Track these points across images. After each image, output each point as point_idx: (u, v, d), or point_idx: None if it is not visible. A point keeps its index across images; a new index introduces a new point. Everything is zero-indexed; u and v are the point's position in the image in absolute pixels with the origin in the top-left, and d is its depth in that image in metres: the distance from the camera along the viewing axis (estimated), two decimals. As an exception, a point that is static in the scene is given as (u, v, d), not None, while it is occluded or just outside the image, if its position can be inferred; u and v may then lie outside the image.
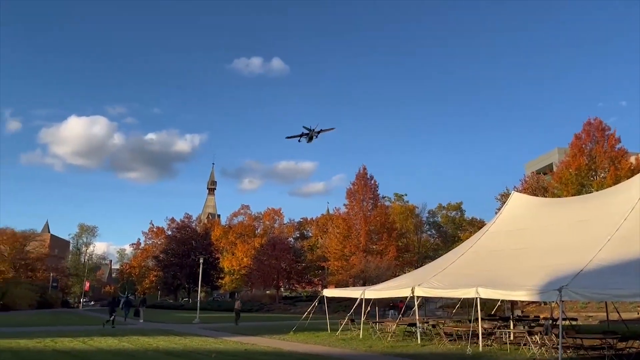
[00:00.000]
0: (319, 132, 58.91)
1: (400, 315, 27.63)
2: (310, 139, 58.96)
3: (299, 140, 59.73)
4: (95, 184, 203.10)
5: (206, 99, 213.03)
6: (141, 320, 35.66)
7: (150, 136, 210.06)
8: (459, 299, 26.28)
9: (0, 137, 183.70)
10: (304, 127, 58.55)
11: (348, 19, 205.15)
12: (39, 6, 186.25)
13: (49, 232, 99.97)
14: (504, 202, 29.68)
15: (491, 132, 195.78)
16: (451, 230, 73.94)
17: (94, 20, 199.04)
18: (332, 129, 62.49)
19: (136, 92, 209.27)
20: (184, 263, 75.82)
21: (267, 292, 75.61)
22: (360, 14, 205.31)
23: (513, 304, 25.33)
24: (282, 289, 79.17)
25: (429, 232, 76.81)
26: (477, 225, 67.42)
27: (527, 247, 19.79)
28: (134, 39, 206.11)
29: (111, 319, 29.56)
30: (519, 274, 17.45)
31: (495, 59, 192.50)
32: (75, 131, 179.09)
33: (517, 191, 36.37)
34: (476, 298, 16.50)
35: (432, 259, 51.82)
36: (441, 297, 28.74)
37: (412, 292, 19.11)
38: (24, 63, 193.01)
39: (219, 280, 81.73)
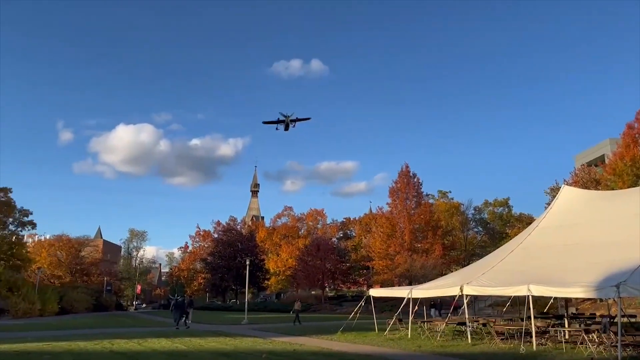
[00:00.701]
0: (294, 121, 59.47)
1: (449, 314, 27.18)
2: (287, 126, 59.46)
3: (276, 128, 60.21)
4: (144, 189, 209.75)
5: (248, 103, 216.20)
6: (189, 322, 36.47)
7: (195, 141, 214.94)
8: (510, 297, 25.76)
9: (54, 147, 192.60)
10: (280, 113, 59.63)
11: (386, 16, 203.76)
12: (85, 20, 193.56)
13: (101, 237, 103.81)
14: (554, 196, 28.75)
15: (538, 124, 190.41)
16: (499, 227, 72.13)
17: (138, 31, 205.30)
18: (308, 118, 63.32)
19: (180, 99, 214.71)
20: (230, 265, 77.07)
21: (313, 292, 75.86)
22: (398, 10, 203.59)
23: (567, 301, 24.48)
24: (327, 289, 79.32)
25: (475, 230, 75.20)
26: (525, 221, 65.55)
27: (580, 243, 19.13)
28: (177, 47, 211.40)
29: (183, 320, 30.50)
30: (572, 270, 16.88)
31: (541, 49, 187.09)
32: (124, 139, 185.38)
33: (567, 184, 35.22)
34: (528, 296, 16.07)
35: (480, 256, 50.76)
36: (491, 295, 28.18)
37: (461, 291, 18.78)
38: (74, 75, 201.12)
39: (265, 282, 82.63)
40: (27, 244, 63.68)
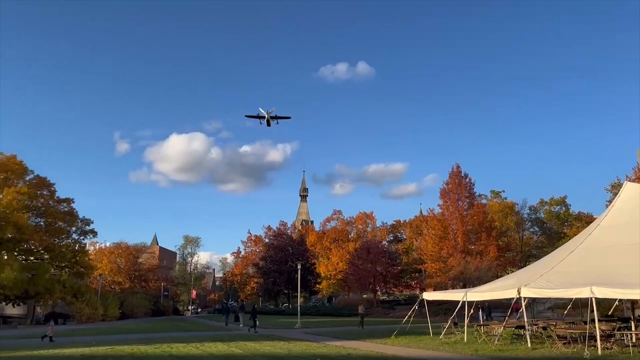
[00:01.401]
0: (274, 118, 60.86)
1: (506, 317, 26.40)
2: (268, 122, 60.83)
3: (260, 123, 61.92)
4: (197, 197, 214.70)
5: (295, 108, 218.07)
6: (241, 325, 37.15)
7: (245, 148, 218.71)
8: (571, 299, 24.74)
9: (112, 158, 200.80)
10: (260, 108, 61.69)
11: (430, 18, 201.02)
12: (138, 35, 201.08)
13: (157, 244, 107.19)
14: (615, 194, 27.47)
15: (596, 117, 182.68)
16: (556, 227, 69.45)
17: (188, 44, 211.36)
18: (288, 117, 65.05)
19: (230, 106, 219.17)
20: (282, 269, 77.76)
21: (364, 296, 75.42)
22: (441, 12, 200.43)
23: (633, 303, 23.28)
24: (379, 293, 78.72)
25: (531, 230, 72.65)
26: (585, 220, 62.87)
27: (646, 241, 18.18)
28: (225, 57, 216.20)
29: (255, 325, 31.29)
30: (637, 270, 16.05)
31: (595, 41, 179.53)
32: (177, 148, 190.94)
33: (629, 180, 33.57)
34: (591, 298, 15.37)
35: (537, 257, 49.09)
36: (550, 298, 27.16)
37: (519, 293, 18.20)
38: (130, 89, 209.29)
39: (317, 285, 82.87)
40: (89, 252, 66.46)
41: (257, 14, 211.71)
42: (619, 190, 25.08)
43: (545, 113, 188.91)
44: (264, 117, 60.86)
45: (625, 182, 28.47)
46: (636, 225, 19.65)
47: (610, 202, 27.98)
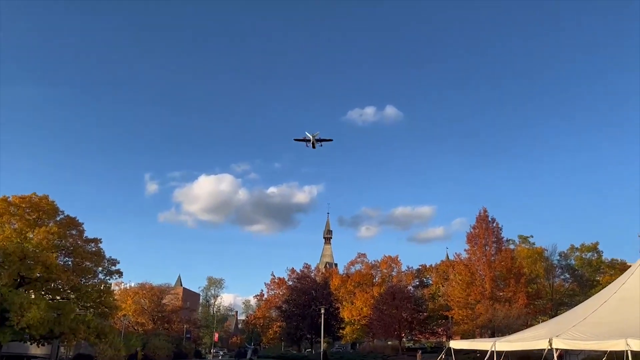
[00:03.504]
0: (319, 140, 65.80)
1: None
2: (313, 145, 65.63)
3: (306, 145, 66.62)
4: (223, 238, 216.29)
5: (323, 151, 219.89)
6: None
7: (272, 190, 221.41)
8: (605, 352, 23.67)
9: (142, 199, 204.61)
10: (306, 132, 66.85)
11: (457, 61, 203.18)
12: (169, 77, 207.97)
13: (181, 285, 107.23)
14: (650, 241, 26.62)
15: (627, 162, 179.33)
16: (588, 274, 67.21)
17: (218, 85, 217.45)
18: (331, 140, 69.67)
19: (258, 149, 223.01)
20: (305, 313, 76.62)
21: (389, 342, 73.44)
22: (468, 56, 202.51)
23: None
24: (404, 340, 76.63)
25: (562, 277, 70.40)
26: (618, 267, 60.84)
27: (684, 292, 17.45)
28: (255, 98, 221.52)
29: None
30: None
31: (628, 82, 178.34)
32: (205, 189, 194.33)
33: (664, 228, 32.56)
34: (626, 351, 14.73)
35: (568, 306, 47.45)
36: (583, 350, 26.04)
37: (550, 344, 17.53)
38: (162, 131, 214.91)
39: (340, 331, 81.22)
40: (114, 292, 66.74)
41: (287, 58, 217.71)
42: (653, 237, 24.33)
43: (575, 157, 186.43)
44: (309, 140, 65.10)
45: (659, 229, 27.60)
46: (673, 274, 18.94)
47: (644, 249, 27.07)
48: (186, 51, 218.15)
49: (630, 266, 28.31)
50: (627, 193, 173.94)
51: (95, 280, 54.33)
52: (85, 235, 53.06)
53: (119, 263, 56.18)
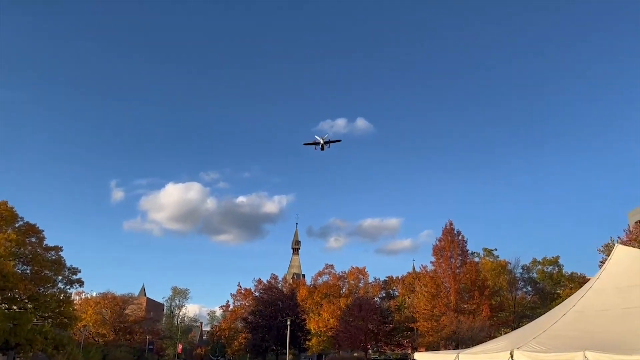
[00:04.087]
0: (328, 142, 67.88)
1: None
2: (322, 147, 67.70)
3: (315, 148, 68.82)
4: (189, 247, 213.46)
5: (294, 161, 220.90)
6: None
7: (241, 199, 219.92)
8: (565, 364, 24.19)
9: (107, 206, 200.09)
10: (315, 136, 69.78)
11: (428, 74, 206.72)
12: (137, 83, 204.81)
13: (145, 295, 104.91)
14: (608, 254, 27.43)
15: (589, 179, 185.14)
16: (549, 287, 68.85)
17: (186, 93, 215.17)
18: (339, 140, 73.47)
19: (228, 158, 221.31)
20: (271, 325, 76.01)
21: (355, 354, 73.37)
22: (439, 68, 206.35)
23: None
24: (370, 351, 76.69)
25: (524, 290, 71.91)
26: (577, 280, 62.53)
27: (639, 306, 18.00)
28: (225, 108, 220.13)
29: None
30: (633, 336, 15.82)
31: (590, 104, 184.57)
32: (172, 198, 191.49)
33: (621, 242, 33.64)
34: (585, 363, 15.06)
35: (530, 318, 48.36)
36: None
37: (511, 356, 17.78)
38: (128, 138, 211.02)
39: (306, 342, 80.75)
40: (75, 302, 64.86)
41: (259, 68, 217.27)
42: (611, 251, 25.08)
43: (538, 172, 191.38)
44: (319, 143, 67.21)
45: (616, 244, 28.51)
46: (628, 289, 19.55)
47: (602, 262, 27.91)
48: (157, 55, 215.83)
49: (589, 279, 29.09)
50: (588, 208, 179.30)
51: (55, 290, 52.73)
52: (45, 242, 51.55)
53: (80, 272, 54.77)
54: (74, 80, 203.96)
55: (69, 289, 55.42)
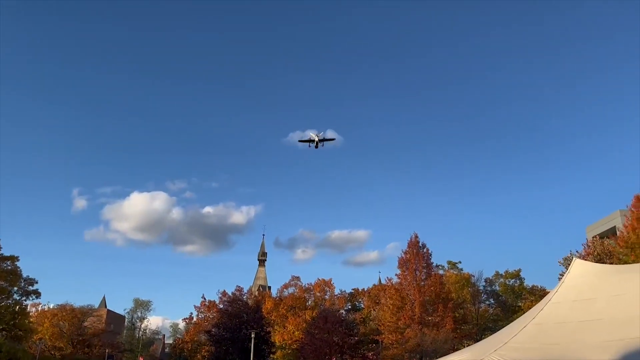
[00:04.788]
0: (322, 140, 69.54)
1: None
2: (317, 144, 69.12)
3: (309, 146, 70.42)
4: (153, 258, 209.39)
5: (262, 171, 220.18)
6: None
7: (208, 209, 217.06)
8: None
9: (68, 215, 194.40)
10: (310, 133, 71.49)
11: (398, 87, 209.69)
12: (104, 91, 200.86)
13: (105, 307, 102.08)
14: (568, 267, 28.19)
15: (549, 194, 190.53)
16: (511, 300, 70.26)
17: (156, 101, 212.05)
18: (333, 139, 74.07)
19: (195, 167, 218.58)
20: (235, 337, 74.93)
21: (320, 367, 72.89)
22: (409, 80, 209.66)
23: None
24: (335, 364, 76.36)
25: (487, 302, 73.18)
26: (538, 293, 64.06)
27: (596, 319, 18.51)
28: (193, 117, 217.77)
29: None
30: (589, 348, 16.24)
31: (550, 120, 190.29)
32: (137, 207, 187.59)
33: (579, 256, 34.65)
34: (543, 375, 15.37)
35: (492, 330, 49.19)
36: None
37: (473, 369, 18.02)
38: (92, 145, 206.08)
39: (271, 355, 79.93)
40: (30, 314, 62.61)
41: (229, 79, 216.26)
42: (570, 264, 25.77)
43: (503, 186, 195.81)
44: (314, 141, 68.30)
45: (574, 259, 29.33)
46: (585, 302, 20.10)
47: (562, 275, 28.62)
48: (124, 62, 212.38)
49: (548, 292, 29.79)
50: (549, 221, 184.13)
51: (10, 301, 50.85)
52: (0, 252, 49.76)
53: (37, 283, 53.06)
54: (33, 86, 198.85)
55: (25, 300, 53.62)
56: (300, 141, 73.35)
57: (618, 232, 51.48)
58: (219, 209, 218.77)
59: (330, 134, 73.84)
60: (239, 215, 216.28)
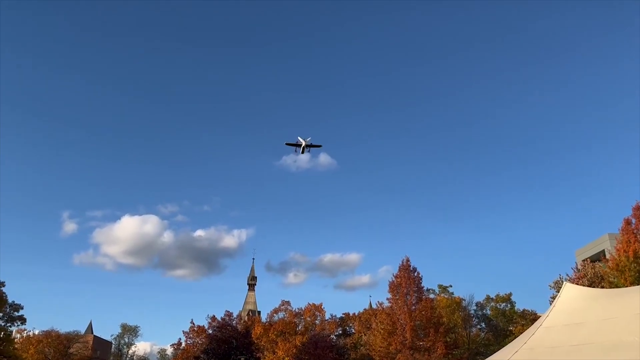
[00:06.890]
0: (309, 146, 70.19)
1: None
2: (303, 150, 69.79)
3: (295, 151, 71.34)
4: (142, 282, 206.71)
5: (254, 195, 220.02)
6: None
7: (199, 233, 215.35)
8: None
9: (57, 239, 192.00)
10: (298, 137, 71.56)
11: (391, 109, 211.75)
12: (96, 112, 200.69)
13: (92, 332, 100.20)
14: (558, 290, 28.28)
15: (539, 218, 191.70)
16: (502, 324, 70.00)
17: (148, 125, 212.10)
18: (320, 146, 74.66)
19: (187, 191, 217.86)
20: (224, 363, 73.81)
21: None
22: (401, 103, 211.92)
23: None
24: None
25: (478, 326, 72.86)
26: (529, 317, 63.94)
27: (587, 343, 18.54)
28: (186, 140, 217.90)
29: None
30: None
31: (536, 142, 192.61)
32: (128, 231, 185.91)
33: (569, 280, 34.80)
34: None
35: (484, 355, 48.90)
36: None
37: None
38: (83, 168, 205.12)
39: (260, 381, 78.62)
40: (15, 340, 61.32)
41: (222, 101, 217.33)
42: (560, 287, 25.87)
43: (493, 211, 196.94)
44: (300, 145, 68.95)
45: (565, 283, 29.47)
46: (577, 326, 20.15)
47: (553, 298, 28.75)
48: (115, 83, 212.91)
49: (539, 316, 29.81)
50: (538, 245, 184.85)
51: (-6, 328, 49.88)
52: (-14, 278, 49.00)
53: (22, 308, 52.18)
54: (24, 104, 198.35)
55: (10, 326, 52.62)
56: (287, 144, 72.42)
57: (607, 255, 51.81)
58: (210, 232, 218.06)
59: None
60: (230, 239, 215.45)
